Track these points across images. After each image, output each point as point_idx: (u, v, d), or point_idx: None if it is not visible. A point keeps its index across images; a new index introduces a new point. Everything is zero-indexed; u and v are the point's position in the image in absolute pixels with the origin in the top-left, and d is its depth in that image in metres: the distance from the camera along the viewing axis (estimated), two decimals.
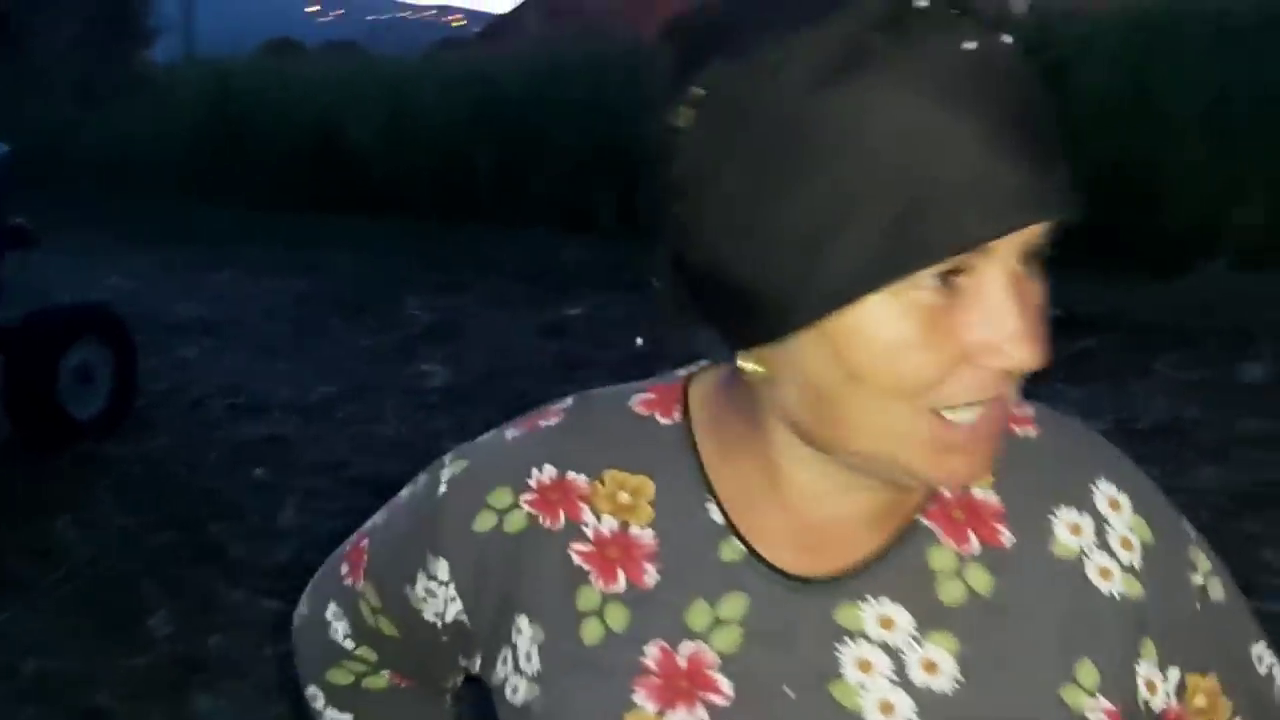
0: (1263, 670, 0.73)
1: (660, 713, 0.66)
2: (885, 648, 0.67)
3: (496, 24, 26.91)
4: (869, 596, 0.67)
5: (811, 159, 0.56)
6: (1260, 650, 0.73)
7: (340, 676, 0.90)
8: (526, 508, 0.73)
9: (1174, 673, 0.69)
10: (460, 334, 7.17)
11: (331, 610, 0.87)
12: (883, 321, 0.57)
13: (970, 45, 0.55)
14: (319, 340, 7.05)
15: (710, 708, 0.66)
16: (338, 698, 0.91)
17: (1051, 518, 0.70)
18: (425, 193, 11.08)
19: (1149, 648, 0.68)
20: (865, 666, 0.66)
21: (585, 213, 10.29)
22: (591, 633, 0.69)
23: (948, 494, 0.70)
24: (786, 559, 0.69)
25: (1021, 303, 0.58)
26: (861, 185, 0.55)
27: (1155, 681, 0.68)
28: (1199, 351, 5.50)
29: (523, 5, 24.10)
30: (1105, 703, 0.66)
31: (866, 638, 0.67)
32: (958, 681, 0.66)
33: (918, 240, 0.55)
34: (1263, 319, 5.75)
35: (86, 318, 5.64)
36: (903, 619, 0.67)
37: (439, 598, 0.75)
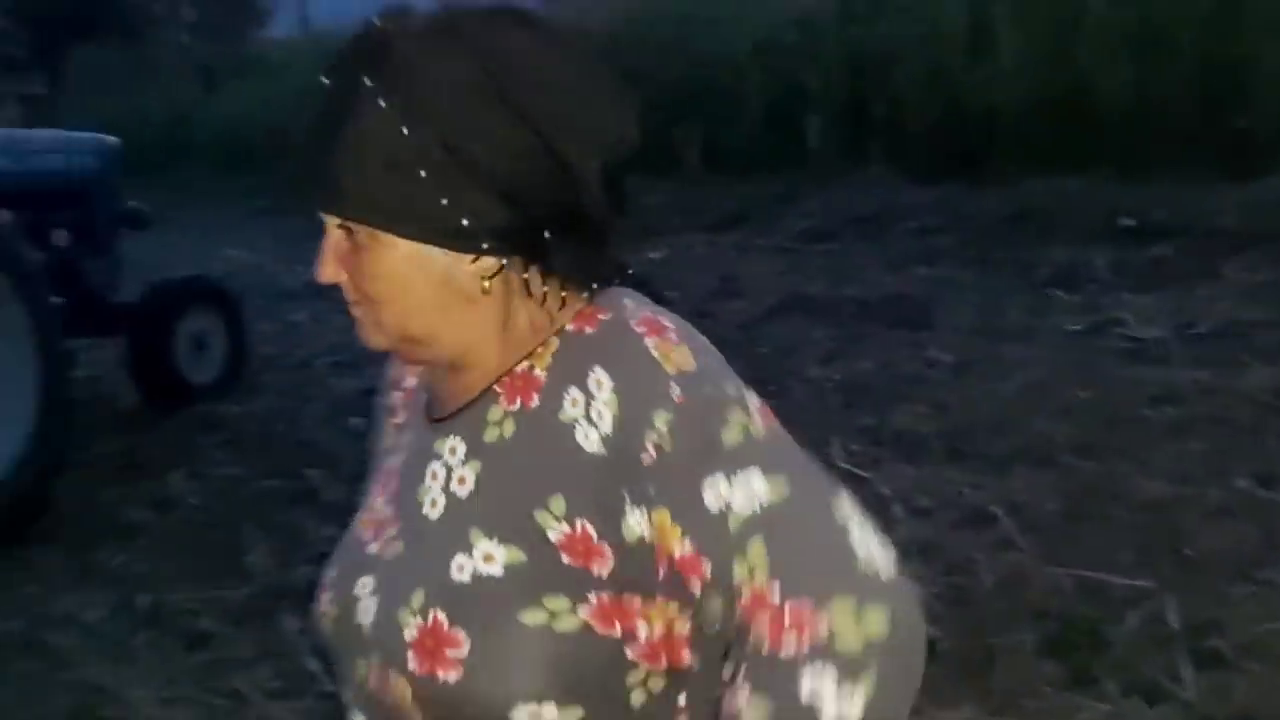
0: (711, 503, 0.89)
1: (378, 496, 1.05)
2: (445, 466, 0.98)
3: None
4: (450, 434, 0.98)
5: None
6: (715, 487, 0.89)
7: None
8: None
9: (642, 510, 0.91)
10: None
11: None
12: None
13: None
14: None
15: (386, 489, 1.04)
16: None
17: (565, 393, 0.94)
18: None
19: (624, 494, 0.91)
20: (433, 476, 0.98)
21: (668, 155, 10.46)
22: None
23: (519, 369, 0.96)
24: (434, 411, 1.02)
25: (324, 251, 0.95)
26: None
27: (635, 519, 0.91)
28: (1268, 254, 5.41)
29: None
30: (566, 528, 0.91)
31: (439, 458, 0.98)
32: (471, 493, 0.95)
33: None
34: None
35: (199, 290, 6.12)
36: (460, 448, 0.97)
37: None
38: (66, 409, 4.54)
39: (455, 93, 0.90)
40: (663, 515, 0.91)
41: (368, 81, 0.89)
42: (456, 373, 0.99)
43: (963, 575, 3.28)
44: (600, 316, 0.96)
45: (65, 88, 15.06)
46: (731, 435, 0.91)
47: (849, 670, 0.87)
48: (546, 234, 0.92)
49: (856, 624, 0.87)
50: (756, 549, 0.89)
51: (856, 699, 0.87)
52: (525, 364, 0.96)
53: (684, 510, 0.90)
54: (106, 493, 4.54)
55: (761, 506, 0.89)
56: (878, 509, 3.69)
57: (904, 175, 8.68)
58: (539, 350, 0.96)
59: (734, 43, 10.68)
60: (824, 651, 0.87)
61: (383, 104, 0.89)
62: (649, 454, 0.90)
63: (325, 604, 1.01)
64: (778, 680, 0.88)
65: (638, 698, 0.93)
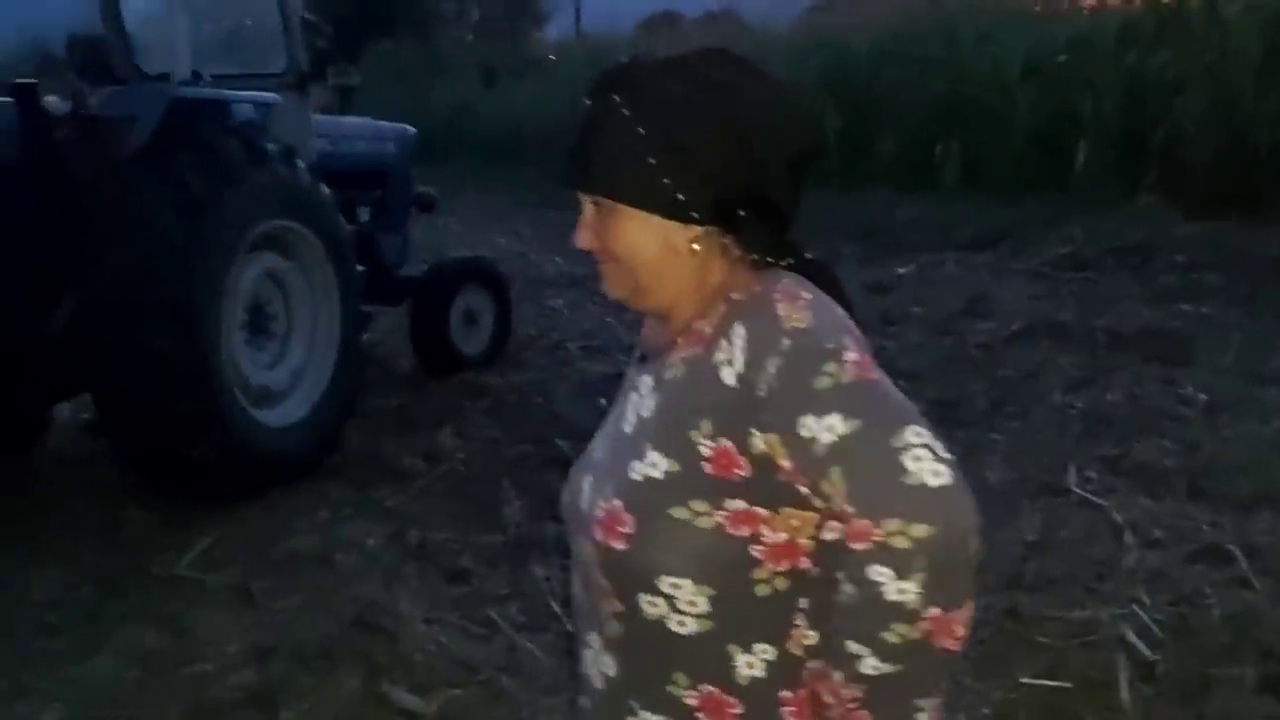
0: (804, 434, 1.14)
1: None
2: (639, 395, 1.30)
3: None
4: (645, 371, 1.31)
5: None
6: (812, 422, 1.14)
7: None
8: None
9: (761, 432, 1.18)
10: None
11: None
12: None
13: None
14: None
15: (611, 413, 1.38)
16: None
17: (718, 343, 1.22)
18: None
19: (750, 419, 1.18)
20: (632, 403, 1.31)
21: (928, 172, 10.39)
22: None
23: (695, 325, 1.26)
24: (644, 355, 1.34)
25: (581, 223, 1.28)
26: None
27: (758, 439, 1.18)
28: None
29: None
30: (712, 444, 1.20)
31: (637, 390, 1.31)
32: (650, 416, 1.27)
33: None
34: None
35: (474, 270, 6.68)
36: (650, 382, 1.30)
37: None
38: (360, 364, 5.13)
39: (677, 104, 1.22)
40: (772, 437, 1.17)
41: (615, 98, 1.23)
42: (664, 324, 1.31)
43: (1190, 607, 3.26)
44: (755, 288, 1.24)
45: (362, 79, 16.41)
46: (822, 383, 1.15)
47: (901, 568, 1.10)
48: (741, 212, 1.23)
49: (904, 534, 1.09)
50: (835, 474, 1.14)
51: (910, 586, 1.09)
52: (701, 322, 1.26)
53: (786, 436, 1.16)
54: (385, 442, 5.09)
55: (838, 440, 1.13)
56: (1110, 536, 3.74)
57: (1176, 207, 8.33)
58: (710, 313, 1.26)
59: (1004, 61, 10.48)
60: (881, 554, 1.10)
61: (626, 112, 1.23)
62: (763, 390, 1.18)
63: (564, 492, 1.38)
64: (854, 571, 1.13)
65: (762, 590, 1.20)
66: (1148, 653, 3.03)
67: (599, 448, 1.35)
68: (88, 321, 4.18)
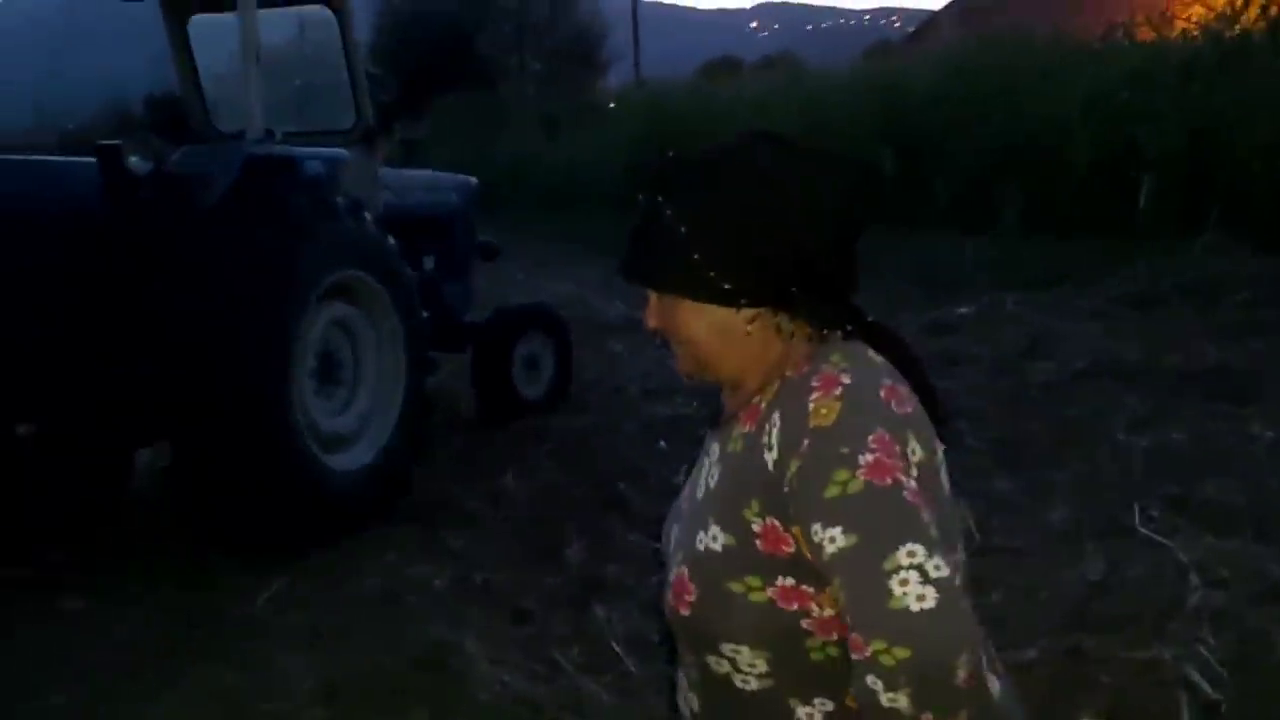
0: (815, 538, 1.20)
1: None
2: (709, 462, 1.38)
3: (924, 25, 26.90)
4: (715, 440, 1.39)
5: None
6: (819, 529, 1.19)
7: None
8: None
9: (790, 523, 1.24)
10: None
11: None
12: None
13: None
14: None
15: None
16: None
17: (766, 423, 1.29)
18: None
19: (785, 506, 1.24)
20: (703, 468, 1.39)
21: (988, 212, 10.35)
22: None
23: (754, 401, 1.33)
24: (716, 421, 1.42)
25: (647, 308, 1.38)
26: None
27: (791, 524, 1.24)
28: None
29: (946, 6, 23.95)
30: (761, 522, 1.26)
31: (709, 455, 1.39)
32: (715, 487, 1.34)
33: None
34: None
35: (535, 316, 6.82)
36: (716, 452, 1.37)
37: None
38: (426, 409, 5.26)
39: (717, 200, 1.29)
40: (796, 531, 1.24)
41: (659, 198, 1.33)
42: (732, 393, 1.39)
43: (1255, 645, 3.21)
44: (804, 368, 1.30)
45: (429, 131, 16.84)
46: (831, 491, 1.19)
47: (889, 682, 1.14)
48: (792, 289, 1.30)
49: (889, 654, 1.14)
50: (836, 583, 1.20)
51: (900, 697, 1.14)
52: (759, 398, 1.33)
53: (804, 534, 1.23)
54: (450, 485, 5.20)
55: (837, 553, 1.18)
56: (1174, 576, 3.70)
57: (1241, 243, 8.21)
58: (768, 389, 1.33)
59: (1063, 99, 10.44)
60: (873, 666, 1.15)
61: (669, 212, 1.31)
62: (787, 486, 1.24)
63: (662, 536, 1.46)
64: (855, 672, 1.18)
65: (816, 656, 1.27)
66: (1211, 692, 3.00)
67: (686, 498, 1.42)
68: (165, 369, 4.35)
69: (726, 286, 1.30)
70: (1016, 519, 4.42)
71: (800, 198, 1.28)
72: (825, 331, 1.32)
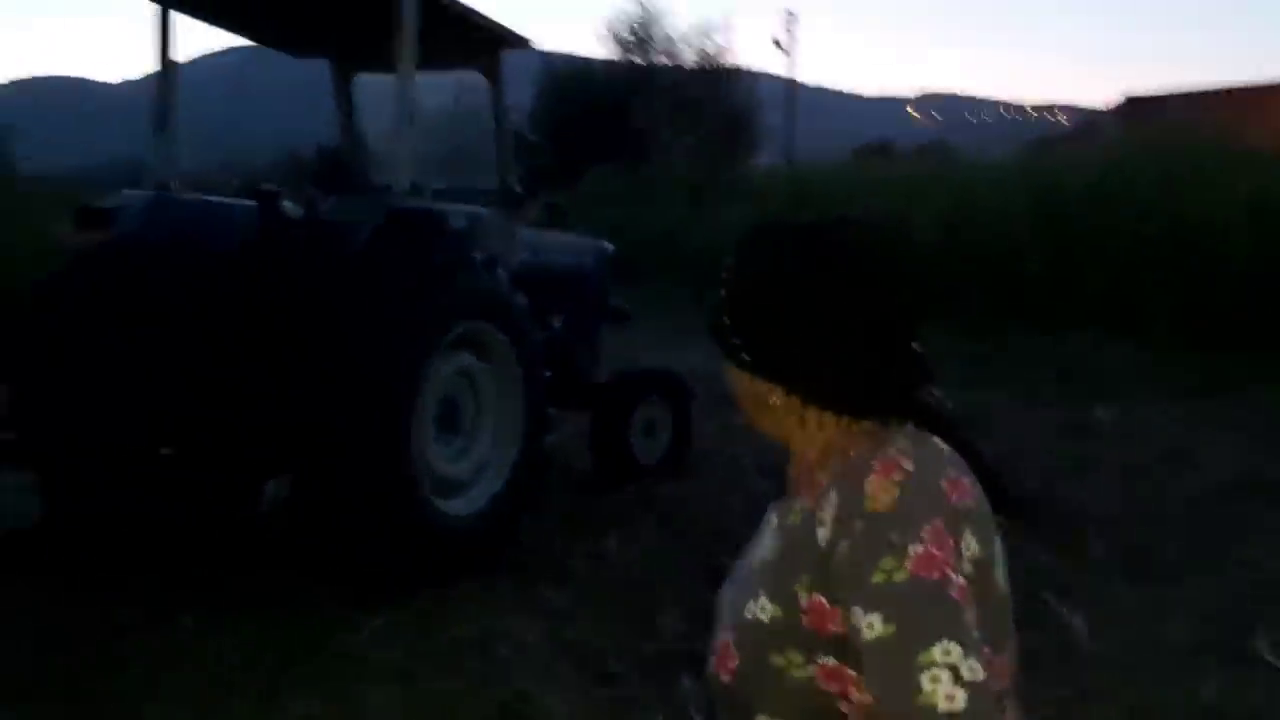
0: (855, 620, 1.20)
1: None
2: (767, 533, 1.37)
3: (1086, 123, 26.44)
4: (775, 511, 1.39)
5: None
6: (859, 613, 1.18)
7: None
8: None
9: (827, 597, 1.25)
10: (975, 426, 7.47)
11: None
12: None
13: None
14: None
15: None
16: None
17: (823, 499, 1.28)
18: (973, 290, 11.37)
19: (832, 585, 1.24)
20: (761, 538, 1.38)
21: (1136, 316, 10.00)
22: None
23: (816, 475, 1.33)
24: (780, 492, 1.43)
25: (730, 385, 1.38)
26: None
27: (826, 599, 1.24)
28: None
29: (1111, 105, 23.49)
30: (808, 597, 1.26)
31: (769, 525, 1.39)
32: (769, 558, 1.33)
33: None
34: None
35: (658, 381, 6.88)
36: (775, 523, 1.37)
37: None
38: (542, 463, 5.35)
39: (758, 271, 1.34)
40: (839, 611, 1.24)
41: (729, 260, 1.38)
42: (793, 462, 1.40)
43: None
44: (864, 449, 1.29)
45: (579, 198, 17.30)
46: (876, 578, 1.19)
47: None
48: (801, 376, 1.32)
49: None
50: (868, 669, 1.20)
51: None
52: (821, 473, 1.33)
53: (846, 615, 1.23)
54: (554, 541, 5.25)
55: (874, 640, 1.18)
56: None
57: None
58: (828, 465, 1.33)
59: (1223, 201, 10.08)
60: None
61: (724, 274, 1.37)
62: (834, 566, 1.25)
63: (718, 599, 1.46)
64: None
65: None
66: None
67: (743, 566, 1.42)
68: (295, 403, 4.55)
69: (745, 358, 1.34)
70: (1133, 632, 4.21)
71: (840, 289, 1.30)
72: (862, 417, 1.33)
